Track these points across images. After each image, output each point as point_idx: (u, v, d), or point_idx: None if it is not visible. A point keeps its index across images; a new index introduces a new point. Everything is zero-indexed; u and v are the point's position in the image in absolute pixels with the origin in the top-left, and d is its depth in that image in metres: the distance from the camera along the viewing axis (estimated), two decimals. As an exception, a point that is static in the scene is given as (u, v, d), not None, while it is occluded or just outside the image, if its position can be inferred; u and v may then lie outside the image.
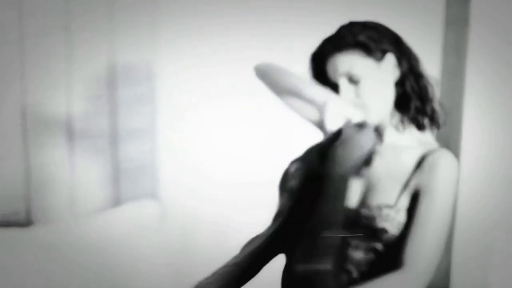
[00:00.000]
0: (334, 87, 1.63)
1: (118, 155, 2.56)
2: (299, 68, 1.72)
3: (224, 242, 2.59)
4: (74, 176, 2.49)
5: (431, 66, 2.75)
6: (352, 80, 1.59)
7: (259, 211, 2.54)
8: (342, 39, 1.60)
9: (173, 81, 2.69)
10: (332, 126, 1.56)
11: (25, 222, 2.41)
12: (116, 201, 2.58)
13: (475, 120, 2.58)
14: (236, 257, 1.67)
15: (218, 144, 2.76)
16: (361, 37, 1.58)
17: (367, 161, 1.60)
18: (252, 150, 2.78)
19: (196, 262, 2.75)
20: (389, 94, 1.63)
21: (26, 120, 2.39)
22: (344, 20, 1.69)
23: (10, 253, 2.27)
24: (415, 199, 1.58)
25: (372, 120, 1.61)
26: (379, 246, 1.59)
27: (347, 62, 1.58)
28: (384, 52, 1.60)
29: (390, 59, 1.61)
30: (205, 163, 2.76)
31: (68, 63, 2.44)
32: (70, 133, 2.46)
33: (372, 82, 1.59)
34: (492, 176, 2.59)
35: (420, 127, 1.68)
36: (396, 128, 1.69)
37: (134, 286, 2.39)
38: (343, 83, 1.60)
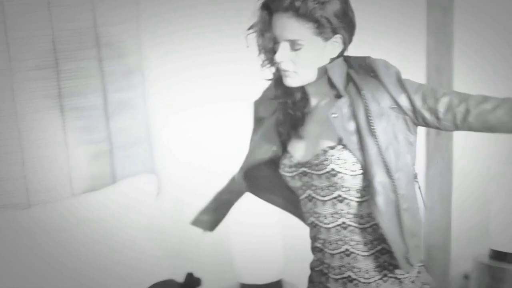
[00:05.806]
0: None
1: (112, 130, 2.53)
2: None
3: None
4: (69, 154, 2.47)
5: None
6: (293, 47, 1.61)
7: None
8: (305, 6, 1.58)
9: (161, 52, 2.64)
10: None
11: (24, 203, 2.40)
12: (113, 177, 2.56)
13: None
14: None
15: (214, 114, 2.72)
16: (324, 14, 1.58)
17: None
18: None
19: (192, 236, 2.73)
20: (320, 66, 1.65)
21: (16, 102, 2.36)
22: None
23: (9, 234, 2.27)
24: None
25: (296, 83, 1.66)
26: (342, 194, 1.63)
27: (297, 31, 1.59)
28: (334, 33, 1.62)
29: (337, 40, 1.63)
30: (202, 134, 2.72)
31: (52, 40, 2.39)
32: (62, 110, 2.44)
33: (311, 56, 1.62)
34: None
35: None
36: None
37: (132, 262, 2.38)
38: (284, 46, 1.61)
